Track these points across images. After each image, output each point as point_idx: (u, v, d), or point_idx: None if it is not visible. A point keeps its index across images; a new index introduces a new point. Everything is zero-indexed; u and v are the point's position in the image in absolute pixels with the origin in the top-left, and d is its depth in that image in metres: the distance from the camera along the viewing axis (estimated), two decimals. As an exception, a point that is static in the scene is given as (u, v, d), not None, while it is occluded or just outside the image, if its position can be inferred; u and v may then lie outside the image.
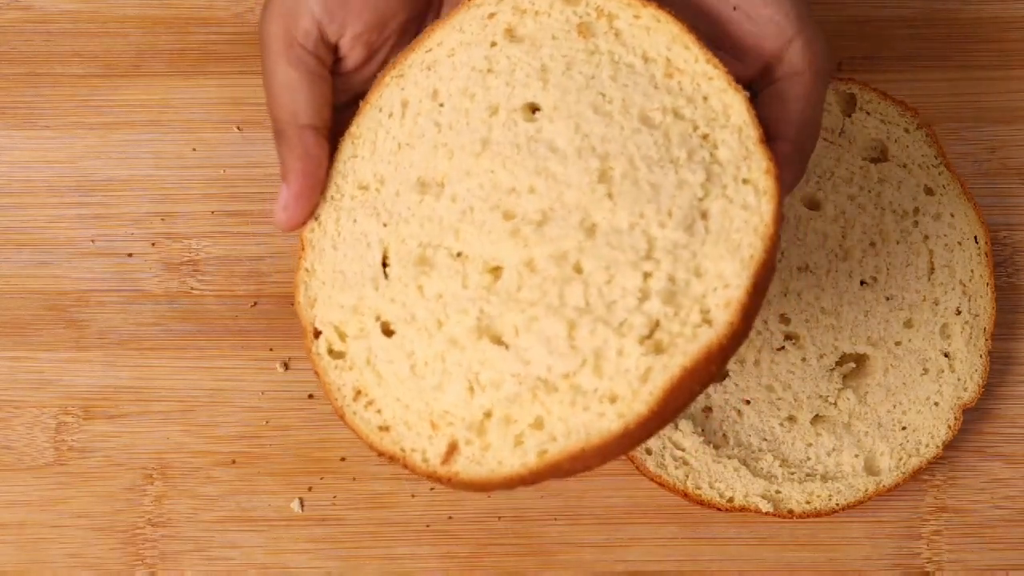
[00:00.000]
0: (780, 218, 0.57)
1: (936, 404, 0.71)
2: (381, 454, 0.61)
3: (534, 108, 0.61)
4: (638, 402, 0.56)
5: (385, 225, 0.62)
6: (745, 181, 0.58)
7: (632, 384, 0.57)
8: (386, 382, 0.62)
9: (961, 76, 0.76)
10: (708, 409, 0.71)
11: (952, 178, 0.73)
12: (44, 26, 0.76)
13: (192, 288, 0.74)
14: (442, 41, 0.62)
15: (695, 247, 0.57)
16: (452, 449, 0.60)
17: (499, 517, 0.72)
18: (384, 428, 0.61)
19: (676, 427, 0.70)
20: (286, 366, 0.74)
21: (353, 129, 0.63)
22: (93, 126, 0.75)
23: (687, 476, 0.70)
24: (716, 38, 0.61)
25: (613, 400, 0.57)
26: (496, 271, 0.60)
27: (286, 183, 0.61)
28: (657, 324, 0.57)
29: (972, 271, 0.72)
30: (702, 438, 0.70)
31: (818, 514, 0.70)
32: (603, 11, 0.61)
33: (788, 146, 0.61)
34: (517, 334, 0.59)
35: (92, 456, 0.72)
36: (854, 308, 0.72)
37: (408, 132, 0.62)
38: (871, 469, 0.71)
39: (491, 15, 0.62)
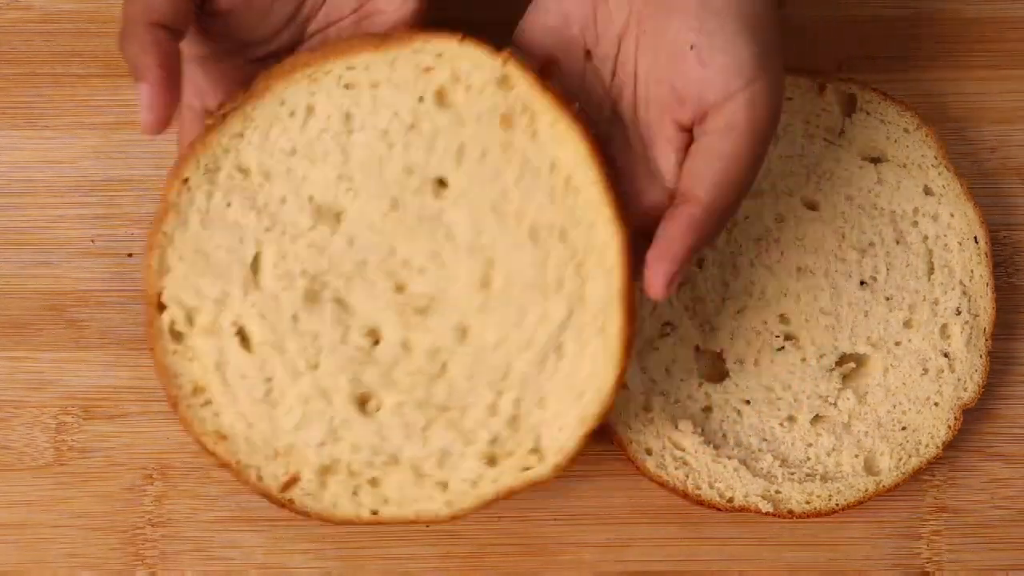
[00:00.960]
0: (620, 385, 0.63)
1: (936, 404, 0.71)
2: (211, 455, 0.64)
3: (443, 183, 0.64)
4: (466, 500, 0.65)
5: (267, 230, 0.63)
6: (601, 330, 0.63)
7: (463, 484, 0.65)
8: (234, 395, 0.64)
9: (961, 76, 0.76)
10: (708, 409, 0.71)
11: (952, 178, 0.73)
12: (44, 26, 0.76)
13: (192, 288, 0.74)
14: (368, 66, 0.63)
15: (543, 380, 0.64)
16: (293, 480, 0.65)
17: (499, 517, 0.72)
18: (221, 436, 0.64)
19: (676, 427, 0.70)
20: (286, 366, 0.74)
21: (248, 109, 0.63)
22: (93, 126, 0.75)
23: (687, 476, 0.70)
24: (670, 71, 0.60)
25: (445, 488, 0.65)
26: (374, 334, 0.64)
27: (143, 81, 0.58)
28: (496, 439, 0.64)
29: (972, 271, 0.72)
30: (702, 438, 0.70)
31: (818, 514, 0.70)
32: (528, 107, 0.62)
33: (698, 209, 0.59)
34: (381, 410, 0.64)
35: (92, 456, 0.72)
36: (854, 308, 0.72)
37: (308, 142, 0.63)
38: (871, 469, 0.71)
39: (428, 69, 0.63)
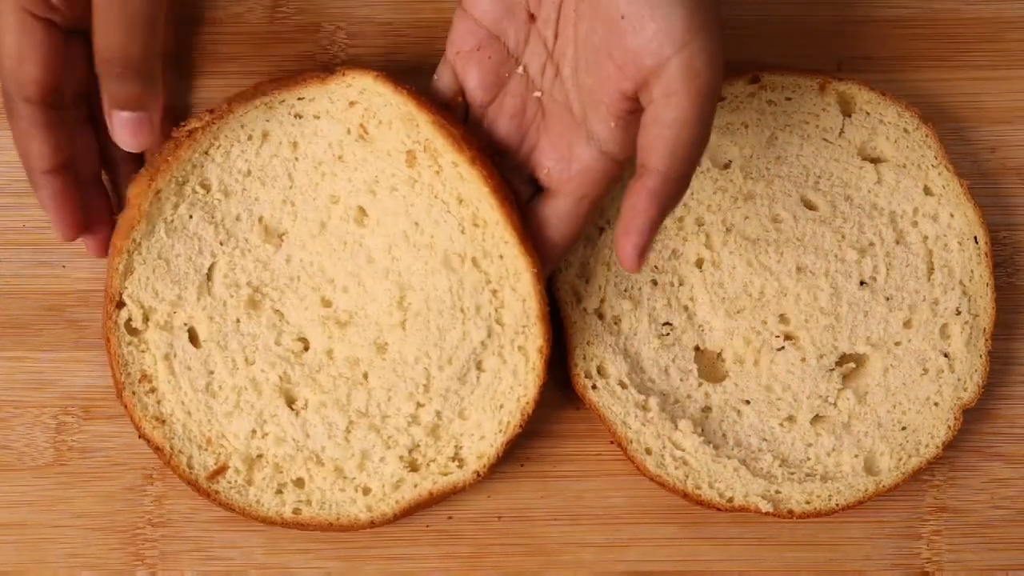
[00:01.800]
0: (540, 396, 0.68)
1: (936, 404, 0.71)
2: (147, 440, 0.68)
3: (364, 211, 0.69)
4: (386, 504, 0.69)
5: (222, 244, 0.69)
6: (520, 348, 0.68)
7: (385, 487, 0.69)
8: (178, 383, 0.68)
9: (961, 76, 0.76)
10: (708, 409, 0.71)
11: (952, 178, 0.73)
12: (44, 26, 0.76)
13: (192, 288, 0.74)
14: (314, 98, 0.68)
15: (464, 393, 0.69)
16: (221, 469, 0.69)
17: (499, 517, 0.72)
18: (160, 420, 0.68)
19: (676, 427, 0.70)
20: (286, 366, 0.74)
21: (215, 129, 0.68)
22: (93, 126, 0.75)
23: (687, 476, 0.70)
24: (607, 40, 0.60)
25: (366, 492, 0.69)
26: (304, 342, 0.69)
27: (46, 211, 0.68)
28: (417, 446, 0.69)
29: (972, 271, 0.72)
30: (702, 438, 0.70)
31: (818, 514, 0.70)
32: (431, 146, 0.67)
33: (656, 179, 0.60)
34: (307, 408, 0.69)
35: (92, 456, 0.72)
36: (853, 308, 0.71)
37: (262, 166, 0.69)
38: (871, 469, 0.71)
39: (352, 103, 0.68)
